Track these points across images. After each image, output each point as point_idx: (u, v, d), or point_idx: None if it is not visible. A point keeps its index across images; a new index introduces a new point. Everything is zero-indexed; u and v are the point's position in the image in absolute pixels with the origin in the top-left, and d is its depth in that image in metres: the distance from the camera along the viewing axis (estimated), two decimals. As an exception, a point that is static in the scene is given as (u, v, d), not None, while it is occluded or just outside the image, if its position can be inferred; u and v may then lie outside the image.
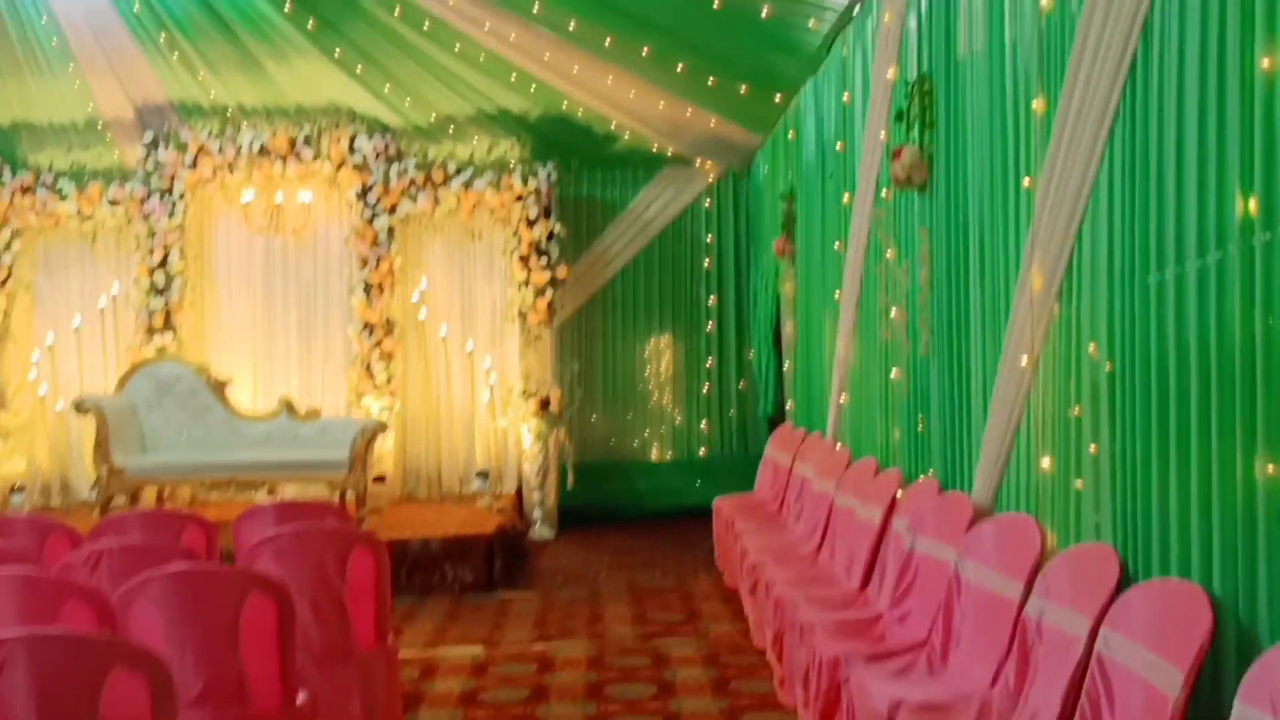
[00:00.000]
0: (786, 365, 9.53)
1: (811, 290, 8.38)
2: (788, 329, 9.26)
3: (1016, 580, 3.76)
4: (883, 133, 5.98)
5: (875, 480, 5.86)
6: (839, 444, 7.34)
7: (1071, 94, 3.69)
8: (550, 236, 10.48)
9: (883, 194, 6.00)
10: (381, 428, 9.54)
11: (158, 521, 5.42)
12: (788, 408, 9.52)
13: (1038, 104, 4.01)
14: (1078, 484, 3.74)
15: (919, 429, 5.53)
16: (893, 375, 5.93)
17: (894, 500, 5.39)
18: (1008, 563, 3.88)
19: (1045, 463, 3.97)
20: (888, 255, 5.91)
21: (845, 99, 7.10)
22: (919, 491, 5.17)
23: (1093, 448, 3.65)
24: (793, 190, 9.04)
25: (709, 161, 11.49)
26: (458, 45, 9.23)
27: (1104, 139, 3.53)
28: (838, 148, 7.26)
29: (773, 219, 9.98)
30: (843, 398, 7.25)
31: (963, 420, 4.87)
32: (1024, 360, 4.08)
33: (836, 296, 7.28)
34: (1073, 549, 3.61)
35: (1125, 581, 3.24)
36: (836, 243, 7.34)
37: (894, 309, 5.83)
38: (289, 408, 10.02)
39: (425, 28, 8.81)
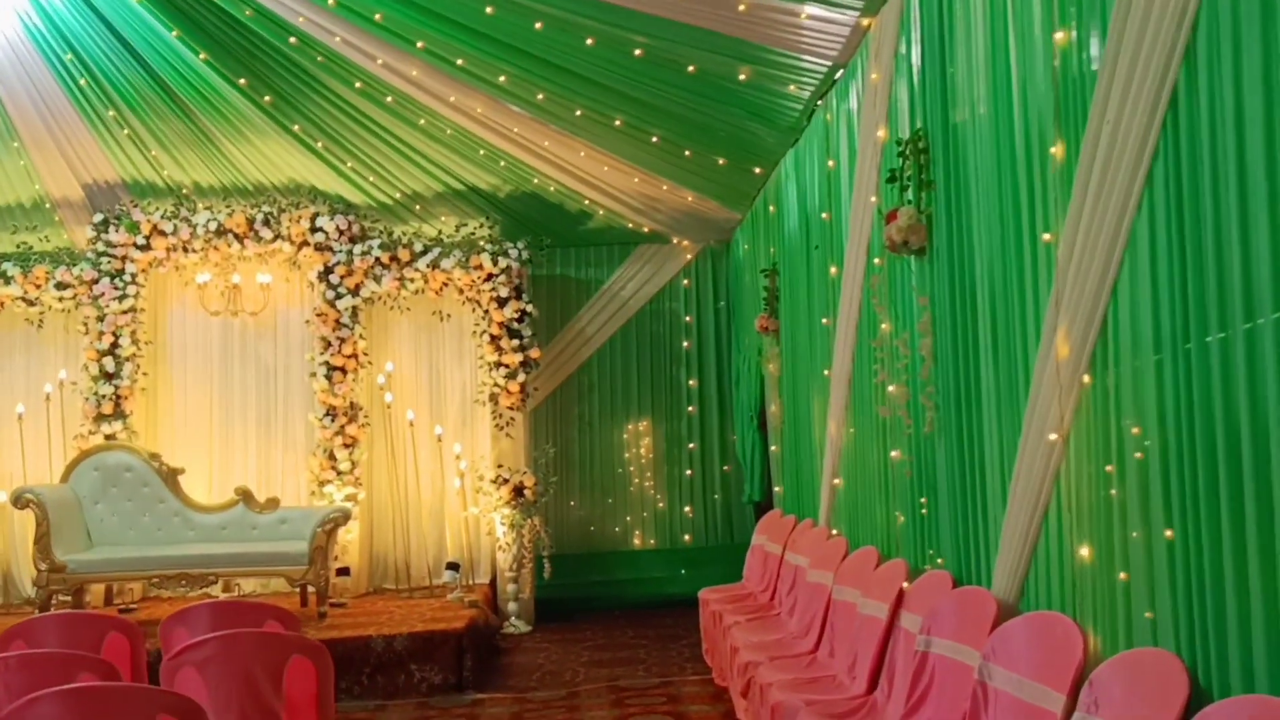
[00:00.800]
0: (774, 448, 9.06)
1: (798, 368, 7.96)
2: (773, 410, 8.81)
3: (1057, 690, 3.26)
4: (873, 197, 5.60)
5: (878, 572, 5.37)
6: (833, 531, 6.84)
7: (1098, 136, 3.29)
8: (522, 316, 10.05)
9: (875, 262, 5.60)
10: (343, 517, 8.98)
11: (78, 625, 4.83)
12: (776, 492, 9.03)
13: (1056, 150, 3.61)
14: (1122, 576, 3.27)
15: (923, 513, 5.05)
16: (893, 456, 5.48)
17: (901, 593, 4.89)
18: (1044, 669, 3.38)
19: (1084, 552, 3.49)
20: (883, 327, 5.49)
21: (830, 165, 6.75)
22: (930, 585, 4.68)
23: (1135, 534, 3.19)
24: (775, 265, 8.66)
25: (686, 239, 11.13)
26: (422, 120, 8.88)
27: (1141, 183, 3.12)
28: (823, 217, 6.89)
29: (754, 296, 9.59)
30: (836, 481, 6.78)
31: (976, 504, 4.40)
32: (1052, 436, 3.63)
33: (826, 374, 6.85)
34: (1126, 655, 3.12)
35: (1196, 698, 2.75)
36: (824, 318, 6.93)
37: (892, 385, 5.40)
38: (246, 498, 9.46)
39: (388, 101, 8.45)
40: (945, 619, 4.22)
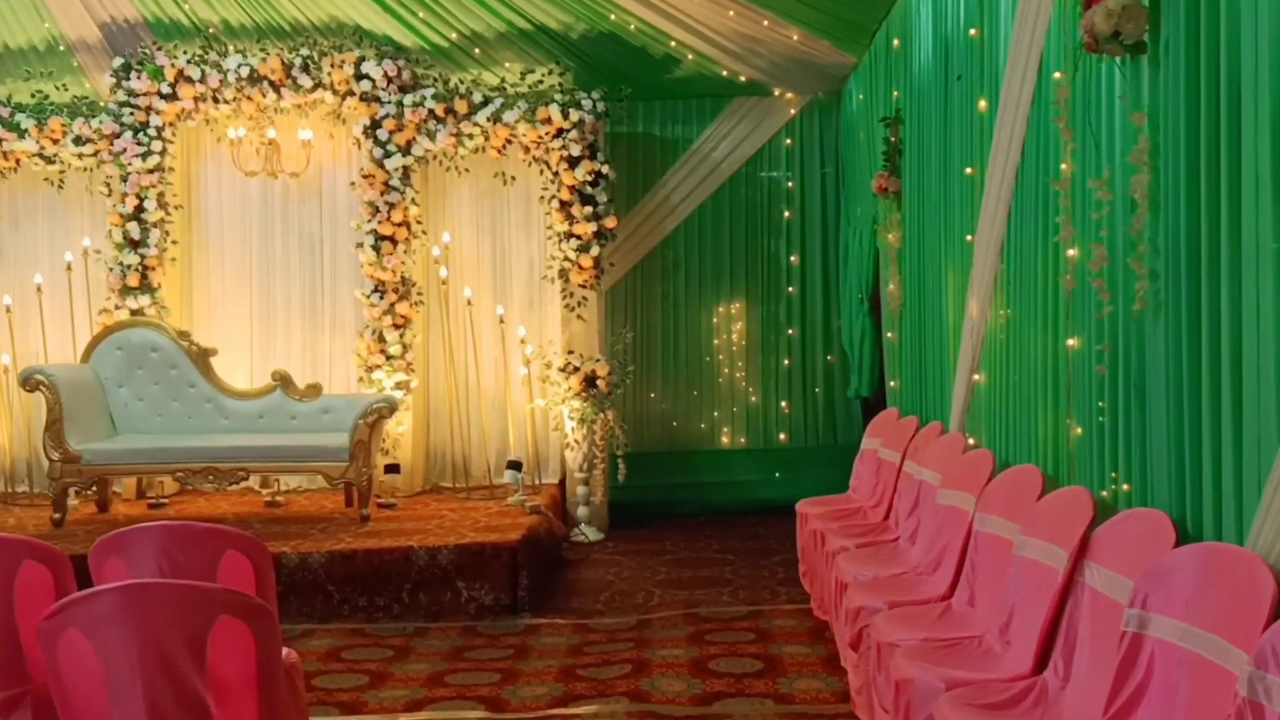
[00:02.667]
0: (889, 335, 7.59)
1: (926, 237, 6.47)
2: (891, 289, 7.33)
3: None
4: (1055, -15, 4.05)
5: (1045, 503, 3.96)
6: (970, 440, 5.43)
7: None
8: (597, 179, 8.64)
9: (1055, 76, 4.06)
10: (389, 408, 7.81)
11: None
12: (890, 388, 7.59)
13: None
14: None
15: (1119, 426, 3.62)
16: (1069, 344, 4.02)
17: (1085, 539, 3.49)
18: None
19: None
20: (1064, 168, 3.97)
21: (983, -33, 5.16)
22: (1136, 532, 3.27)
23: None
24: (899, 113, 7.11)
25: (789, 91, 9.54)
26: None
27: None
28: (970, 35, 5.33)
29: (870, 155, 8.05)
30: (977, 377, 5.35)
31: (1216, 418, 2.95)
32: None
33: (968, 240, 5.37)
34: None
35: None
36: (968, 168, 5.41)
37: (1072, 248, 3.91)
38: (284, 383, 8.36)
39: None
40: (1175, 591, 2.82)
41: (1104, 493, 3.74)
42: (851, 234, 9.09)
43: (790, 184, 9.67)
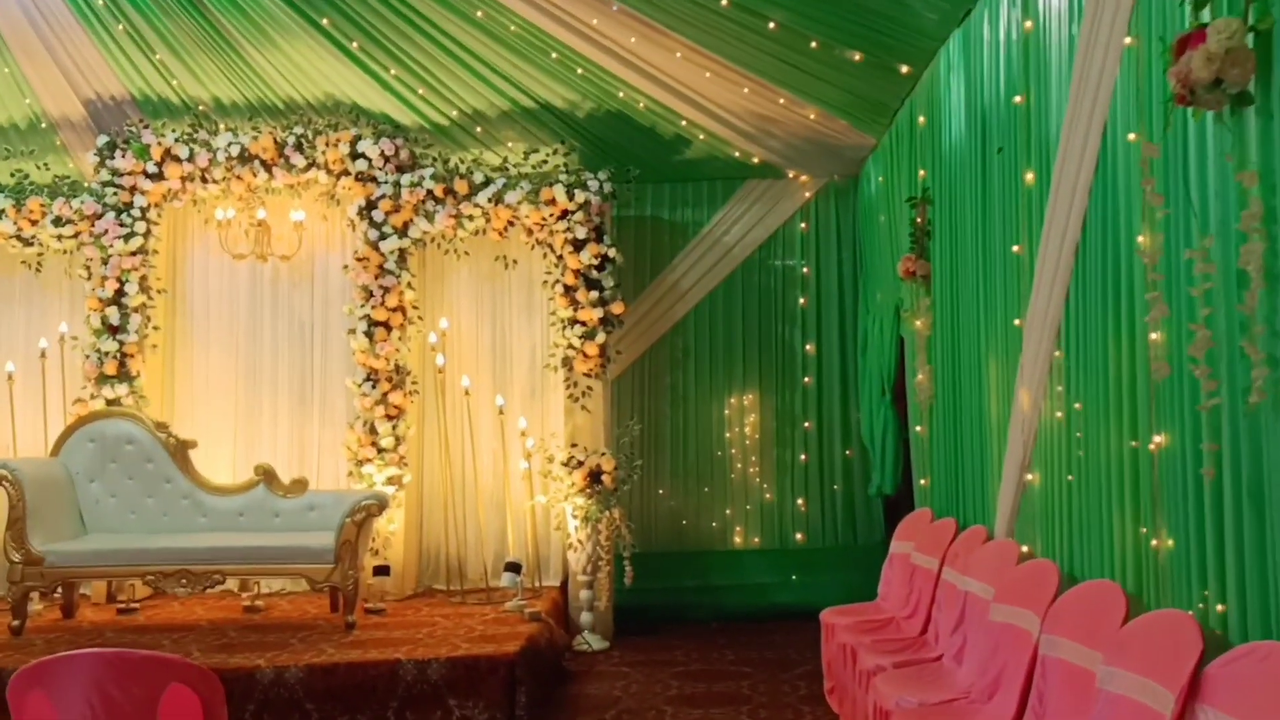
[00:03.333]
0: (918, 429, 7.06)
1: (961, 322, 5.98)
2: (920, 380, 6.82)
3: None
4: (1128, 38, 3.60)
5: (1135, 629, 3.39)
6: (1023, 547, 4.86)
7: None
8: (603, 263, 8.19)
9: (1130, 137, 3.59)
10: (378, 505, 7.26)
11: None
12: (920, 486, 7.04)
13: None
14: None
15: (1226, 539, 3.07)
16: (1155, 442, 3.49)
17: (1193, 677, 2.92)
18: None
19: None
20: (1144, 240, 3.48)
21: (1028, 28, 4.74)
22: (1262, 673, 2.70)
23: None
24: (926, 192, 6.67)
25: (805, 173, 9.15)
26: (480, 12, 7.10)
27: None
28: (1015, 103, 4.89)
29: (893, 237, 7.62)
30: (1029, 477, 4.80)
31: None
32: None
33: (1016, 324, 4.87)
34: None
35: None
36: (1014, 245, 4.94)
37: (1156, 330, 3.40)
38: (268, 478, 7.82)
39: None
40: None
41: (1205, 616, 3.18)
42: (871, 322, 8.63)
43: (805, 270, 9.23)
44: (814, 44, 6.65)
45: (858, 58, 6.73)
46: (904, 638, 5.61)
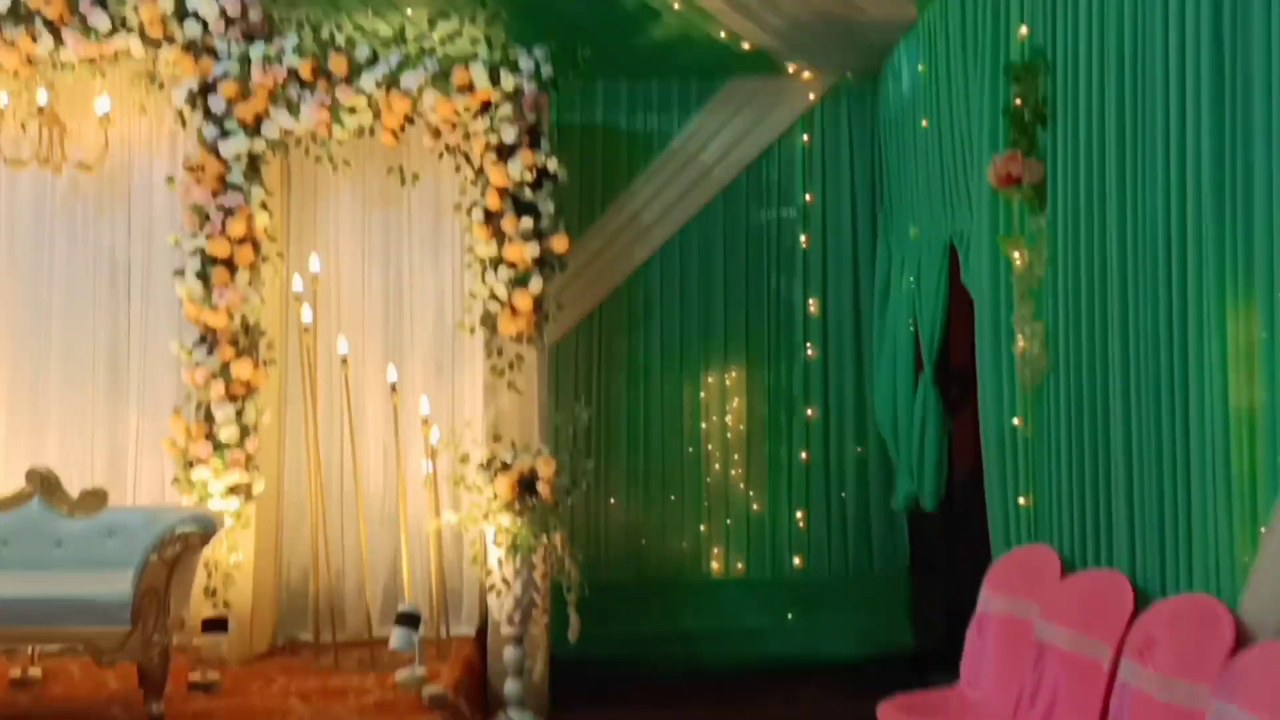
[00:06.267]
0: (1016, 421, 4.67)
1: (1116, 250, 3.72)
2: (1022, 344, 4.49)
3: None
4: None
5: None
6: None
7: None
8: (540, 179, 5.79)
9: None
10: (200, 535, 4.85)
11: None
12: (1019, 506, 4.68)
13: None
14: None
15: None
16: None
17: None
18: None
19: None
20: None
21: None
22: None
23: None
24: (1035, 56, 4.37)
25: (809, 67, 6.79)
26: None
27: None
28: None
29: (948, 143, 5.37)
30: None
31: None
32: None
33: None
34: None
35: None
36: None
37: None
38: (45, 489, 5.36)
39: None
40: None
41: None
42: (899, 268, 6.36)
43: (808, 197, 6.88)
44: None
45: None
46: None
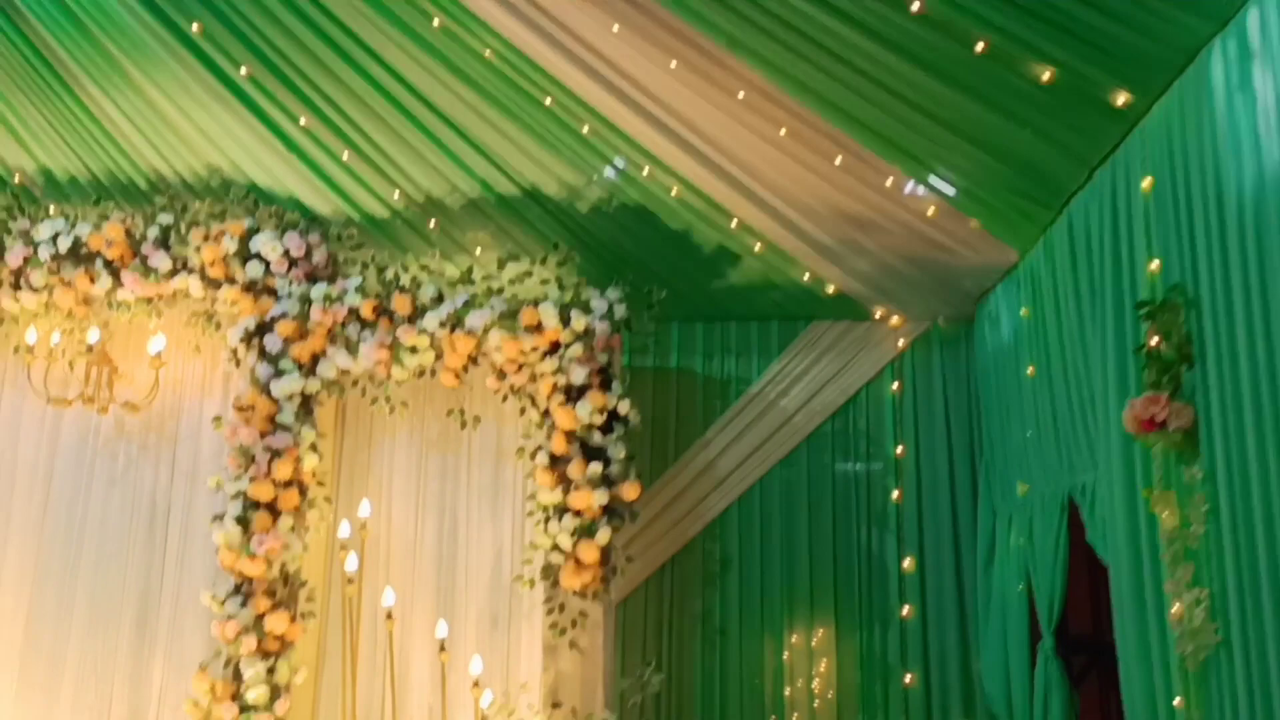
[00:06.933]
0: (1176, 702, 3.94)
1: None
2: (1179, 610, 3.82)
3: None
4: None
5: None
6: None
7: None
8: (611, 422, 5.38)
9: None
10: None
11: None
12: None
13: None
14: None
15: None
16: None
17: None
18: None
19: None
20: None
21: None
22: None
23: None
24: (1173, 291, 3.91)
25: (897, 312, 6.42)
26: (437, 21, 4.57)
27: None
28: None
29: (1062, 393, 4.89)
30: None
31: None
32: None
33: None
34: None
35: None
36: None
37: None
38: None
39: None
40: None
41: None
42: (1003, 526, 5.77)
43: (900, 449, 6.37)
44: (980, 46, 4.01)
45: (1046, 77, 4.08)
46: None
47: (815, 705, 6.13)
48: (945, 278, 5.98)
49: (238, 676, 5.10)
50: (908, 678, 6.10)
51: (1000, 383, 5.92)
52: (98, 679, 5.48)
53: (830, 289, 6.18)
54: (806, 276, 6.09)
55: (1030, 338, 5.47)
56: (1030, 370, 5.44)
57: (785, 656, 6.18)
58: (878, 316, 6.43)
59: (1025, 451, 5.56)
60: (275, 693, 5.08)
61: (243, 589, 5.19)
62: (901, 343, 6.47)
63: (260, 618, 5.13)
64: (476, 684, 5.21)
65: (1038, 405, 5.34)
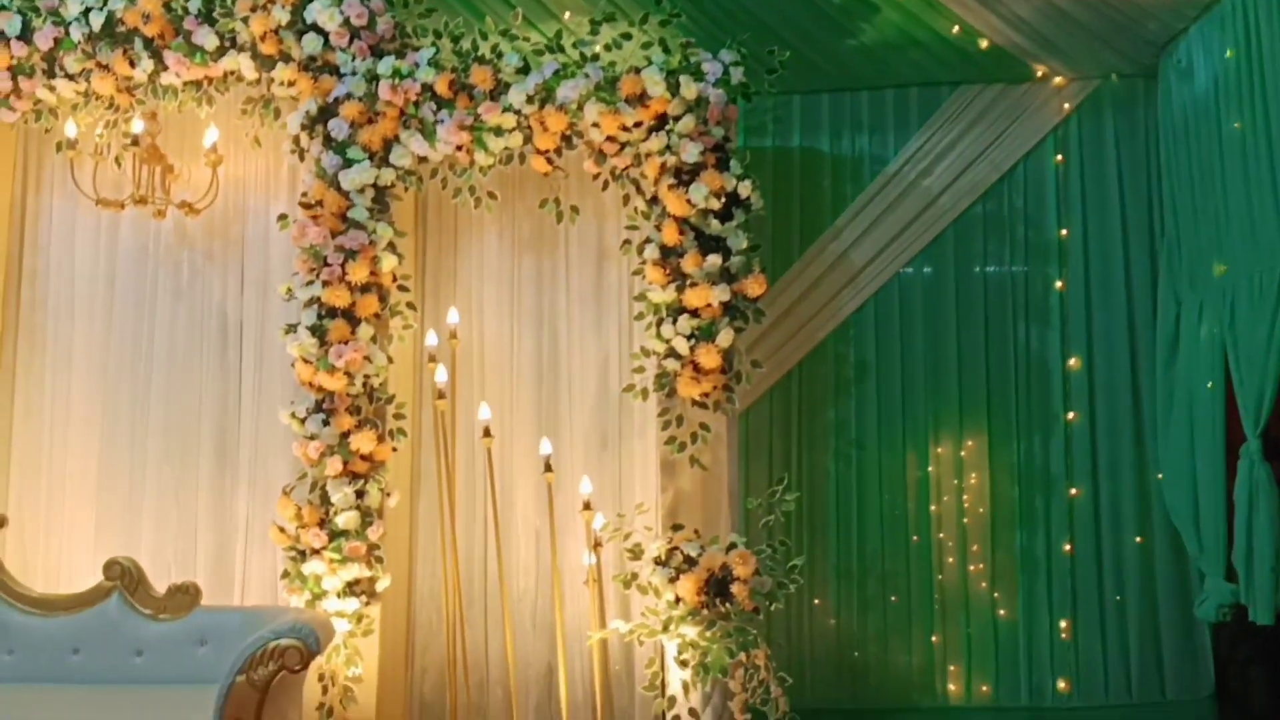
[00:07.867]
0: None
1: None
2: None
3: None
4: None
5: None
6: None
7: None
8: (729, 207, 4.60)
9: None
10: (300, 652, 3.77)
11: None
12: None
13: None
14: None
15: None
16: None
17: None
18: None
19: None
20: None
21: None
22: None
23: None
24: None
25: (1063, 70, 5.45)
26: None
27: None
28: None
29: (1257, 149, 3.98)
30: None
31: None
32: None
33: None
34: None
35: None
36: None
37: None
38: (127, 583, 4.49)
39: None
40: None
41: None
42: (1191, 314, 4.94)
43: (1064, 231, 5.50)
44: None
45: None
46: None
47: (965, 522, 5.48)
48: (1124, 21, 5.01)
49: (325, 501, 4.60)
50: (1073, 491, 5.39)
51: (1194, 145, 4.99)
52: (180, 510, 5.03)
53: (983, 43, 5.23)
54: (955, 29, 5.14)
55: (1238, 86, 4.52)
56: (1237, 125, 4.50)
57: (930, 469, 5.51)
58: (1039, 76, 5.47)
59: (1226, 225, 4.66)
60: (366, 518, 4.58)
61: (324, 405, 4.64)
62: (1067, 106, 5.54)
63: (345, 436, 4.59)
64: (587, 506, 4.63)
65: (1246, 168, 4.45)
